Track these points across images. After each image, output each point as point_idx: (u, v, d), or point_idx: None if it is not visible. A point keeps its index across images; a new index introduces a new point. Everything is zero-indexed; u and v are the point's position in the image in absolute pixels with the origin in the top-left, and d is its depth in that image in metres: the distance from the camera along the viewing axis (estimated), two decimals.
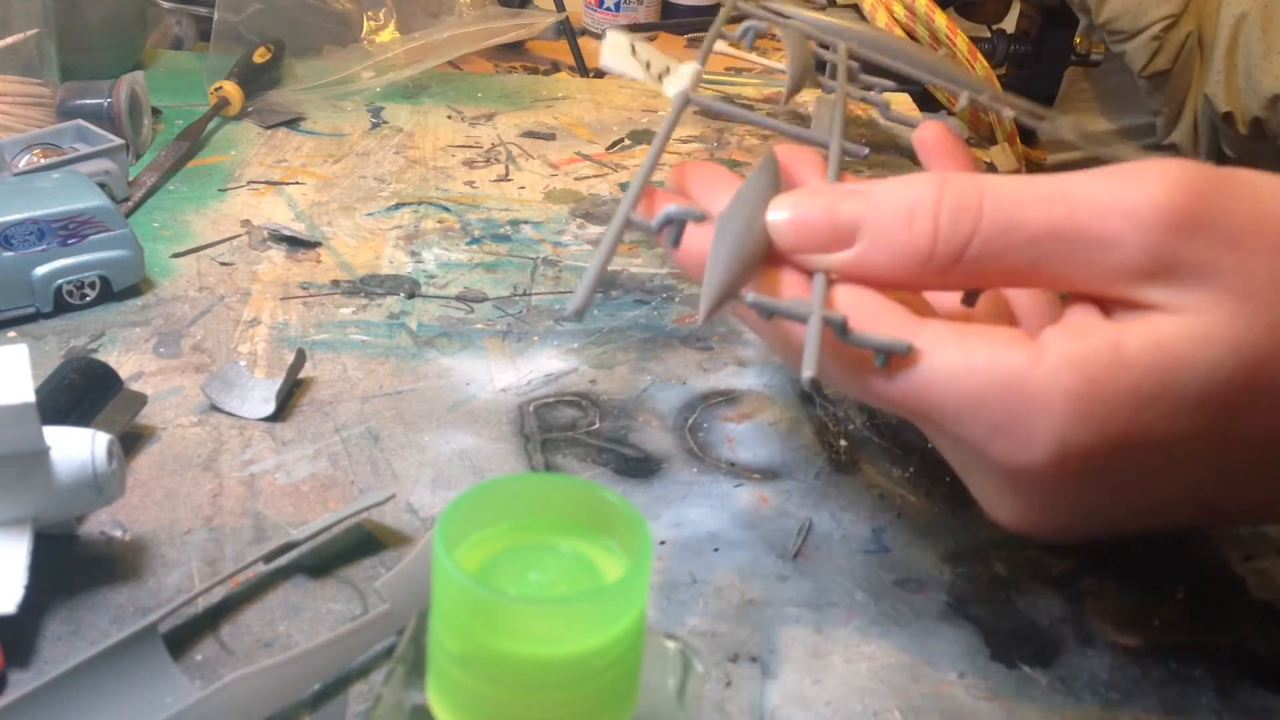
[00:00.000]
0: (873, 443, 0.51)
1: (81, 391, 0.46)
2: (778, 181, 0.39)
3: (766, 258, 0.37)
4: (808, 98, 0.86)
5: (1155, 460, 0.33)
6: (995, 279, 0.36)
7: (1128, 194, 0.33)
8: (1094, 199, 0.33)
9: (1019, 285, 0.36)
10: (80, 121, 0.68)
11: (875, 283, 0.36)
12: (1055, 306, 0.39)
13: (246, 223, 0.66)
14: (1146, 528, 0.39)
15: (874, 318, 0.35)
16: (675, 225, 0.38)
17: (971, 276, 0.35)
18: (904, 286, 0.36)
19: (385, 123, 0.82)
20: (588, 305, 0.35)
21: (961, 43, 0.89)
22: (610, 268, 0.63)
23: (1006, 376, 0.33)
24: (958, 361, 0.33)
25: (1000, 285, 0.36)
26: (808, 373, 0.33)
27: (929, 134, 0.44)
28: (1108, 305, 0.34)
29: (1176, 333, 0.32)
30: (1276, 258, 0.32)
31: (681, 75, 0.48)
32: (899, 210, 0.35)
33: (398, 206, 0.69)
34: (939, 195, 0.34)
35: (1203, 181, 0.32)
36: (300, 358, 0.51)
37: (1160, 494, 0.35)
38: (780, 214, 0.37)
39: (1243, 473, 0.35)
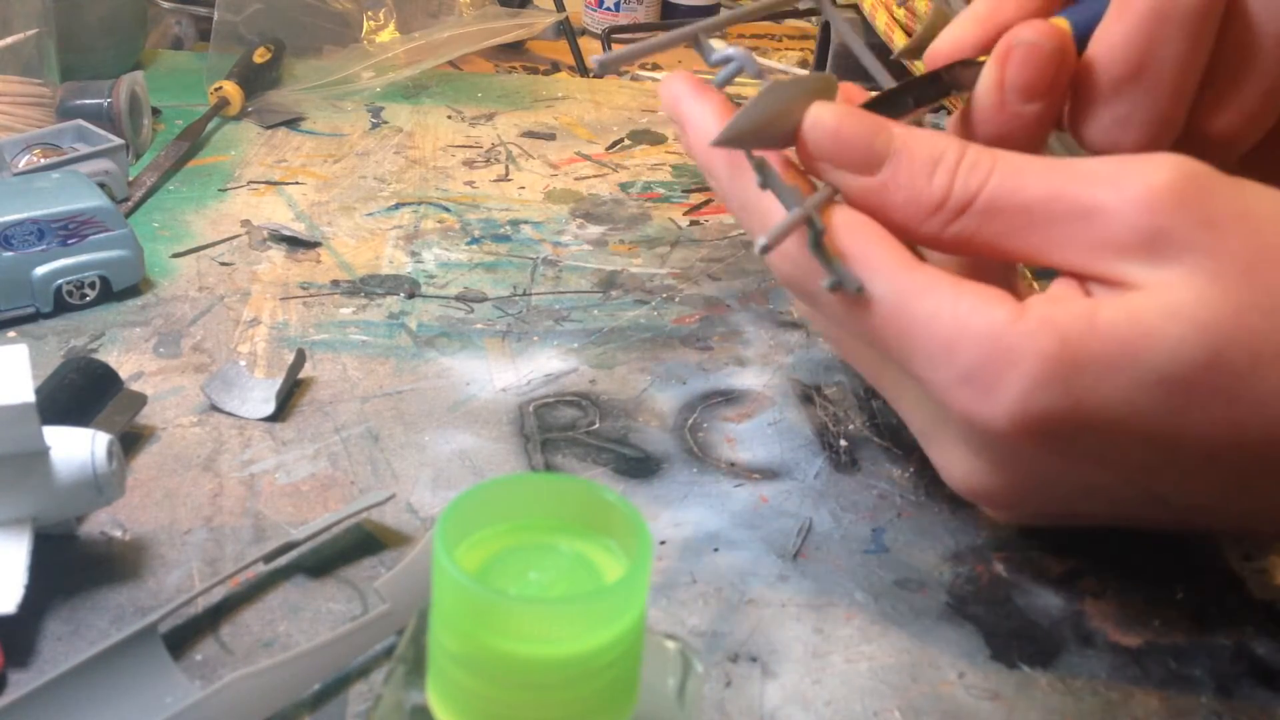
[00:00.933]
0: (873, 443, 0.51)
1: (81, 391, 0.46)
2: (833, 95, 0.40)
3: (786, 143, 0.38)
4: None
5: (1110, 436, 0.34)
6: (986, 242, 0.36)
7: (1125, 172, 0.34)
8: (1093, 174, 0.35)
9: (1007, 254, 0.36)
10: (80, 121, 0.68)
11: (880, 217, 0.37)
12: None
13: (246, 223, 0.66)
14: (1100, 516, 0.40)
15: (875, 244, 0.36)
16: (733, 65, 0.39)
17: (965, 236, 0.36)
18: (902, 233, 0.37)
19: (385, 123, 0.82)
20: (614, 67, 0.38)
21: None
22: (610, 268, 0.64)
23: (985, 327, 0.34)
24: (945, 305, 0.34)
25: (989, 252, 0.36)
26: (763, 240, 0.35)
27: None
28: (1088, 284, 0.35)
29: (1148, 306, 0.33)
30: (1251, 247, 0.33)
31: None
32: (927, 157, 0.36)
33: (398, 206, 0.69)
34: (962, 152, 0.36)
35: (1197, 171, 0.34)
36: (300, 358, 0.51)
37: (1113, 476, 0.36)
38: (825, 115, 0.37)
39: (1194, 470, 0.35)
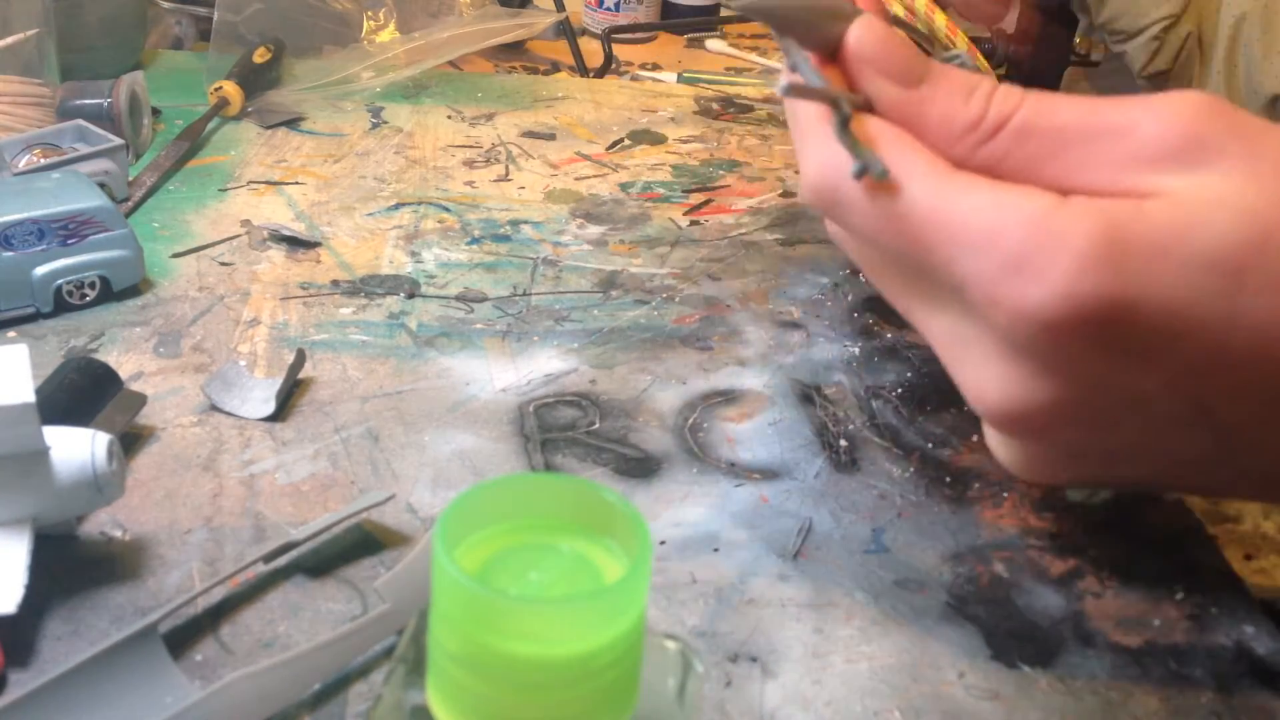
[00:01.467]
0: (873, 443, 0.51)
1: (81, 391, 0.46)
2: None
3: (826, 45, 0.38)
4: None
5: (1160, 325, 0.33)
6: (1017, 165, 0.36)
7: (1154, 101, 0.35)
8: (1122, 103, 0.35)
9: (1038, 176, 0.36)
10: (80, 121, 0.68)
11: (914, 134, 0.37)
12: None
13: (246, 223, 0.66)
14: (1139, 463, 0.38)
15: (909, 143, 0.36)
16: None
17: (997, 157, 0.36)
18: (936, 149, 0.37)
19: (385, 123, 0.82)
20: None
21: (961, 43, 0.89)
22: (610, 268, 0.64)
23: (1031, 212, 0.33)
24: (985, 197, 0.34)
25: (1018, 176, 0.36)
26: (784, 82, 0.35)
27: None
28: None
29: (1192, 198, 0.33)
30: None
31: None
32: (964, 83, 0.37)
33: (398, 206, 0.69)
34: (995, 84, 0.37)
35: (1220, 99, 0.35)
36: (300, 358, 0.51)
37: (1162, 378, 0.35)
38: (875, 24, 0.38)
39: (1245, 367, 0.34)
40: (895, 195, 0.35)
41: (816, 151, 0.37)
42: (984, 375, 0.37)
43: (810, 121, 0.37)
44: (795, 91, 0.36)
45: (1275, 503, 0.45)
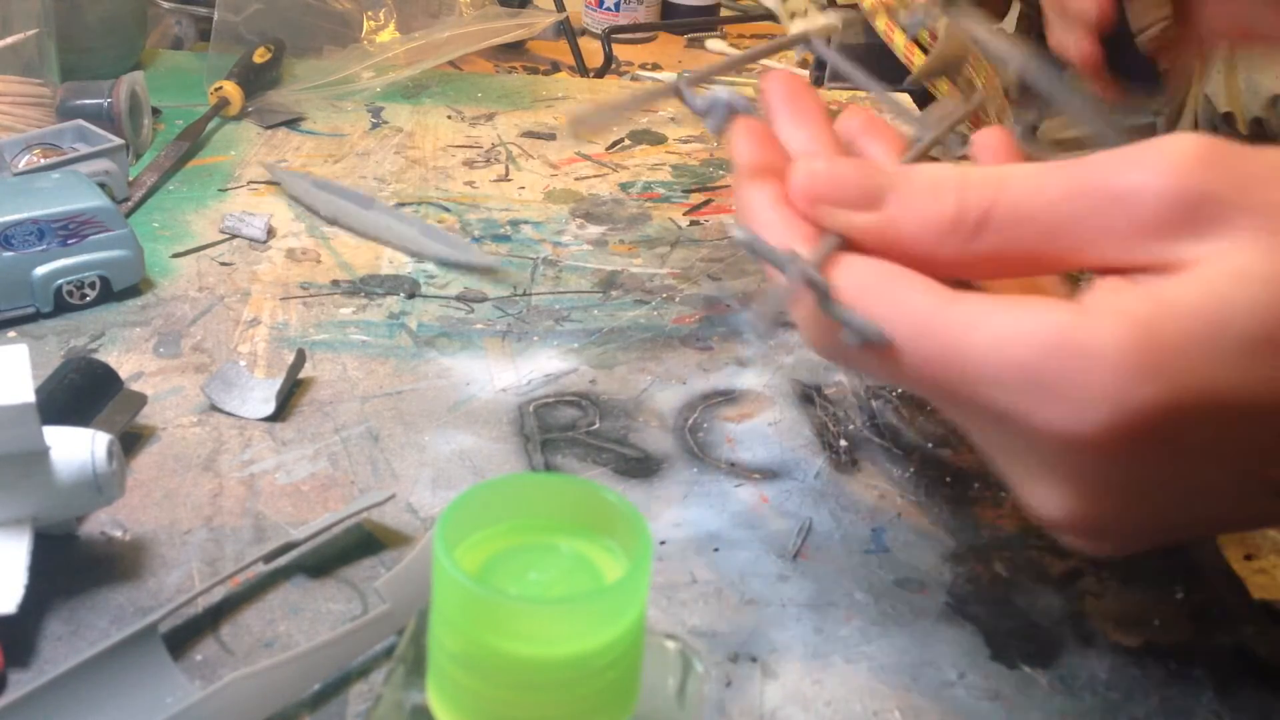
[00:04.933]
0: (873, 443, 0.51)
1: (81, 391, 0.46)
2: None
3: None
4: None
5: (1216, 419, 0.32)
6: (1017, 255, 0.34)
7: (1145, 154, 0.32)
8: (1109, 163, 0.33)
9: (1042, 262, 0.34)
10: (80, 121, 0.68)
11: (897, 254, 0.35)
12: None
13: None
14: (1213, 523, 0.37)
15: (900, 284, 0.34)
16: (720, 110, 0.37)
17: (993, 252, 0.34)
18: (924, 265, 0.35)
19: (385, 123, 0.82)
20: (594, 127, 0.35)
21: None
22: (610, 268, 0.64)
23: (1056, 336, 0.31)
24: (1005, 328, 0.32)
25: (1023, 266, 0.35)
26: (757, 323, 0.33)
27: (991, 141, 0.43)
28: (1133, 275, 0.33)
29: (1214, 275, 0.31)
30: None
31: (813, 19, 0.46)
32: (929, 181, 0.35)
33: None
34: (963, 173, 0.35)
35: (1212, 140, 0.32)
36: (300, 358, 0.51)
37: (1226, 468, 0.33)
38: (818, 162, 0.36)
39: None
40: (904, 352, 0.33)
41: (807, 324, 0.35)
42: (1042, 491, 0.35)
43: (790, 288, 0.34)
44: (754, 250, 0.33)
45: None
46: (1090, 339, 0.31)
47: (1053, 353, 0.31)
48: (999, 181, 0.34)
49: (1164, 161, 0.32)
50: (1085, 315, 0.31)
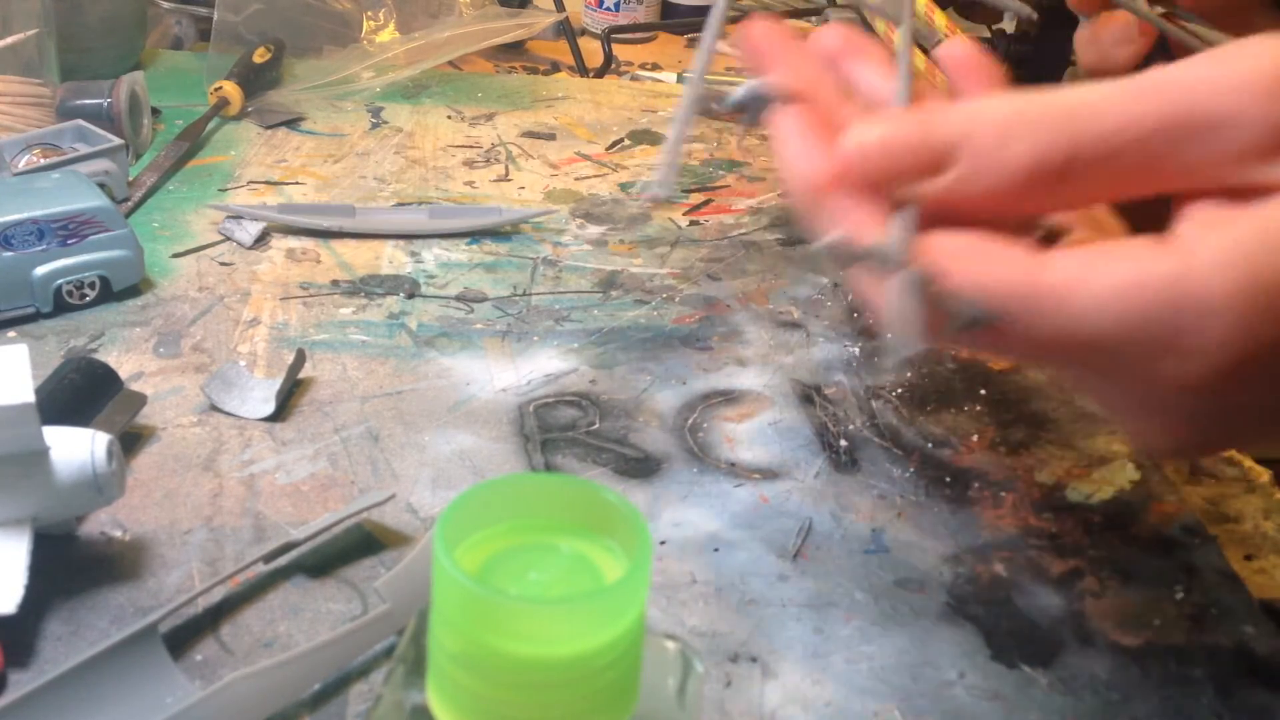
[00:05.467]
0: (873, 443, 0.51)
1: (81, 391, 0.46)
2: None
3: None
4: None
5: None
6: (1103, 188, 0.33)
7: (1236, 69, 0.31)
8: (1200, 81, 0.31)
9: (1128, 193, 0.33)
10: (80, 121, 0.68)
11: (971, 211, 0.33)
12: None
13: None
14: None
15: (992, 256, 0.32)
16: (754, 104, 0.35)
17: (1076, 195, 0.33)
18: (1004, 212, 0.33)
19: (385, 123, 0.82)
20: (670, 183, 0.33)
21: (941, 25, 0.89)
22: (610, 268, 0.64)
23: (1166, 289, 0.30)
24: (1101, 290, 0.31)
25: (1107, 197, 0.33)
26: (902, 349, 0.31)
27: (956, 51, 0.40)
28: (1231, 199, 0.32)
29: None
30: None
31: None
32: (997, 125, 0.32)
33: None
34: (1032, 107, 0.32)
35: None
36: (300, 358, 0.51)
37: None
38: (869, 132, 0.33)
39: None
40: (1015, 323, 0.31)
41: (907, 316, 0.32)
42: (1153, 428, 0.34)
43: (903, 297, 0.32)
44: (848, 255, 0.31)
45: None
46: (1201, 289, 0.30)
47: (1165, 306, 0.30)
48: (1076, 112, 0.31)
49: (1260, 78, 0.30)
50: (1191, 259, 0.30)
